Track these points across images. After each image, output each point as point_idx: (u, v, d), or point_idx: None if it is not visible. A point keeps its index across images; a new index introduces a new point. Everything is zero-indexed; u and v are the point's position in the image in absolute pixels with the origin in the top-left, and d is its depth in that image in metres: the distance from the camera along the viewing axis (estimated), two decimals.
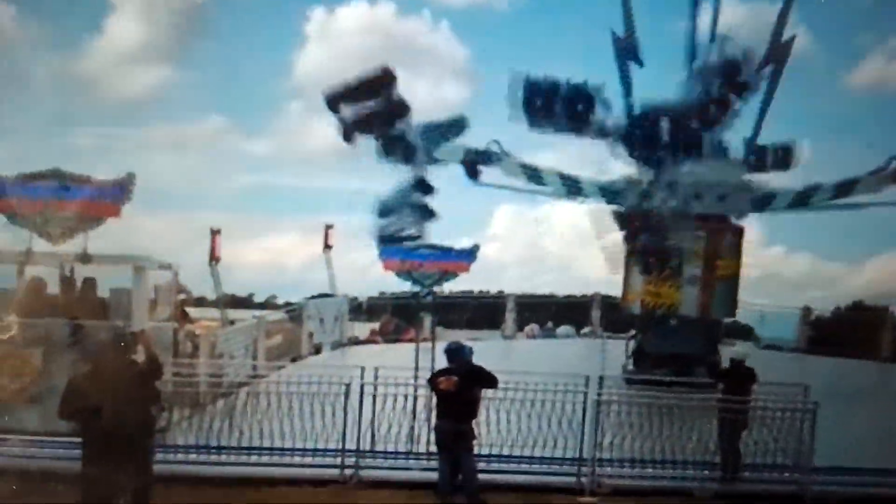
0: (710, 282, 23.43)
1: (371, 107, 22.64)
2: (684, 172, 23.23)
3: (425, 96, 24.60)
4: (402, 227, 22.34)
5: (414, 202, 22.54)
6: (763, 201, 23.62)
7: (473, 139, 23.40)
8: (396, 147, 22.56)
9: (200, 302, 26.89)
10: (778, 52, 23.14)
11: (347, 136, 22.89)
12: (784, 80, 23.23)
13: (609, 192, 23.68)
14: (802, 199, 23.50)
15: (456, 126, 23.04)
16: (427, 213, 22.63)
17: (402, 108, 22.81)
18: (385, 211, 22.48)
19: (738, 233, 23.98)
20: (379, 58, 22.70)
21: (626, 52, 23.41)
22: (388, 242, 21.80)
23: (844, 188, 23.25)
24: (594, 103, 23.05)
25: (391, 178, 22.60)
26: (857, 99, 22.60)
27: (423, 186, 22.56)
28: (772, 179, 23.66)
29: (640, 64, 23.47)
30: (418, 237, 22.32)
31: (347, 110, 22.72)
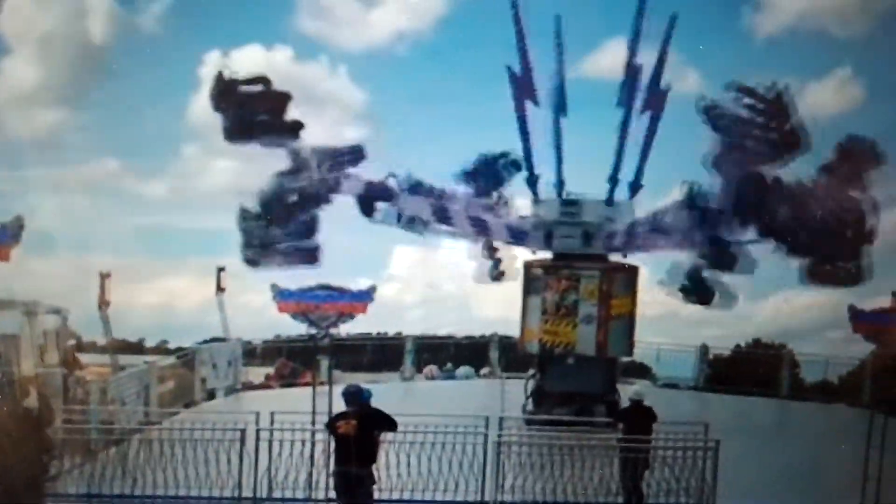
0: (606, 320, 23.46)
1: (258, 116, 22.49)
2: (584, 214, 23.40)
3: (324, 139, 24.41)
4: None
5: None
6: None
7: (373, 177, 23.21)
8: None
9: (91, 347, 26.12)
10: (655, 100, 23.34)
11: (229, 135, 22.72)
12: (669, 124, 23.59)
13: (515, 233, 23.65)
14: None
15: (352, 153, 22.80)
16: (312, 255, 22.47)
17: (293, 126, 22.62)
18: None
19: (633, 272, 24.12)
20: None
21: (523, 89, 23.48)
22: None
23: None
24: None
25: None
26: None
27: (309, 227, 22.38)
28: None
29: (536, 103, 23.58)
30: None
31: (235, 108, 22.58)
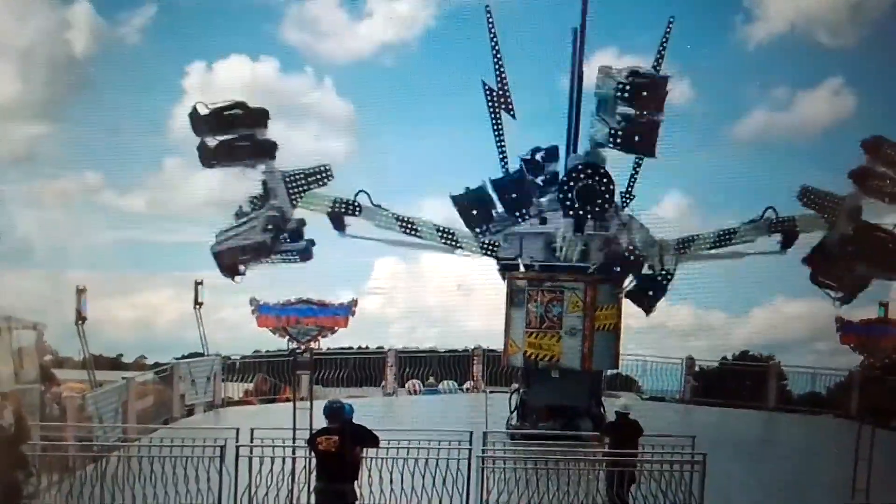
0: (590, 333, 23.25)
1: (236, 139, 22.80)
2: (561, 226, 23.23)
3: (307, 151, 24.57)
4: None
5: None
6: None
7: (348, 191, 23.45)
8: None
9: (68, 363, 25.92)
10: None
11: (206, 162, 22.99)
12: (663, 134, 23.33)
13: (487, 246, 23.52)
14: (682, 250, 23.57)
15: (320, 174, 22.87)
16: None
17: (268, 148, 22.91)
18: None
19: (618, 283, 23.91)
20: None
21: (499, 103, 23.47)
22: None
23: (723, 238, 23.53)
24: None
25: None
26: (739, 151, 22.98)
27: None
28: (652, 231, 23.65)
29: (513, 116, 23.55)
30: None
31: (211, 135, 22.86)
